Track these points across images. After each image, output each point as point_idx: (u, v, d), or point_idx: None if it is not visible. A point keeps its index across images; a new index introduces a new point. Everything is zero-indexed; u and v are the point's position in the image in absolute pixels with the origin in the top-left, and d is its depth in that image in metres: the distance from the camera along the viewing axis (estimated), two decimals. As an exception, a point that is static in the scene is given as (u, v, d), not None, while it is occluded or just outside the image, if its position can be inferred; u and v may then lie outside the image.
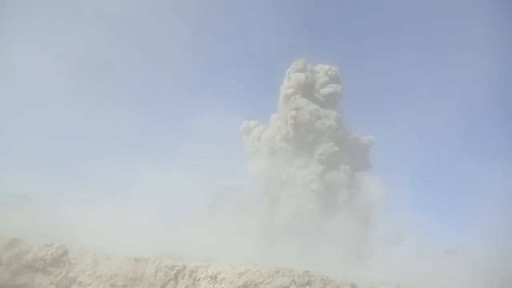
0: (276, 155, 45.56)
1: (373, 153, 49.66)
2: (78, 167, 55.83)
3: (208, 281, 23.12)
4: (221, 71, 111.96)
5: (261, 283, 21.41)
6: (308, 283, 20.82)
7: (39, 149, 50.35)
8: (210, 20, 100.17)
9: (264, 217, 40.47)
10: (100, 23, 69.42)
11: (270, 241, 36.61)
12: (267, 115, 50.00)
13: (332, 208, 41.37)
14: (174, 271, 23.95)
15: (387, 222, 43.24)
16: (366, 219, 42.97)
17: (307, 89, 47.60)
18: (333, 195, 42.49)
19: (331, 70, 49.05)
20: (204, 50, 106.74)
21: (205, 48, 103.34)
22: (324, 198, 41.75)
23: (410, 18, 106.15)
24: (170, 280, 23.87)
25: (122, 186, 42.51)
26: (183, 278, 23.77)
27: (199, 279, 23.49)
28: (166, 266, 24.19)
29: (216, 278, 22.96)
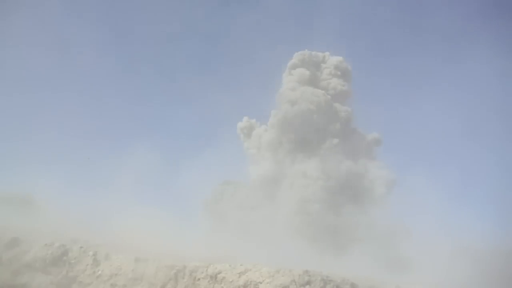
0: (278, 154, 44.34)
1: (379, 151, 48.68)
2: (79, 167, 56.04)
3: (208, 281, 22.87)
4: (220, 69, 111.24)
5: (261, 283, 21.13)
6: (308, 283, 20.49)
7: (39, 149, 50.46)
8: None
9: (271, 218, 39.55)
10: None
11: (279, 243, 35.74)
12: (267, 112, 47.51)
13: (339, 206, 40.40)
14: (174, 271, 23.81)
15: (393, 221, 42.51)
16: (373, 217, 42.00)
17: (311, 83, 45.22)
18: (339, 192, 41.14)
19: (337, 66, 46.18)
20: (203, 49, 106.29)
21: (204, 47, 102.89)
22: (331, 195, 40.60)
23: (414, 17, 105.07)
24: (170, 280, 23.70)
25: (123, 186, 42.46)
26: (183, 278, 23.56)
27: (199, 279, 23.25)
28: (166, 266, 24.09)
29: (216, 278, 22.72)
